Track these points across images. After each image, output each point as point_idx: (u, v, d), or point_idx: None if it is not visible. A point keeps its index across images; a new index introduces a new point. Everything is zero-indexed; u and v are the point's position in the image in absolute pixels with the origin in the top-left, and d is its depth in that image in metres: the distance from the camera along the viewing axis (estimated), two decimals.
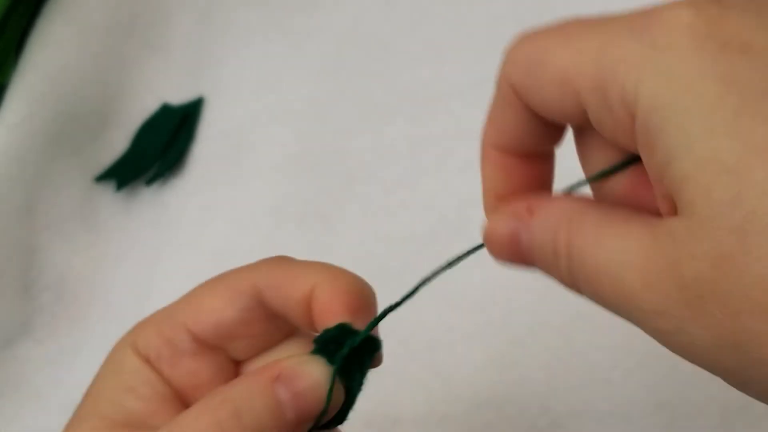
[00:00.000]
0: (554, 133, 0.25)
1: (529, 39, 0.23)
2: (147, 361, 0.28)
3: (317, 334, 0.27)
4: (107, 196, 0.53)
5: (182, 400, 0.29)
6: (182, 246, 0.49)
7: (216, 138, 0.53)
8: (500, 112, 0.24)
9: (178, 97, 0.55)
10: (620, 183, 0.23)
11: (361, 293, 0.27)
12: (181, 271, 0.48)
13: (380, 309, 0.27)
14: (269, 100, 0.53)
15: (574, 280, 0.22)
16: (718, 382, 0.21)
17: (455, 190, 0.47)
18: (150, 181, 0.52)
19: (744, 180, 0.18)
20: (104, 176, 0.53)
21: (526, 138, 0.24)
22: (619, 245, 0.21)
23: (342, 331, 0.26)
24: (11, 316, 0.48)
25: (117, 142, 0.55)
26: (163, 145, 0.53)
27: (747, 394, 0.20)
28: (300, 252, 0.47)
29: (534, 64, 0.22)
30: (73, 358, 0.48)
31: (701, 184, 0.19)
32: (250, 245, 0.48)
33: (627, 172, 0.23)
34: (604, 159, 0.23)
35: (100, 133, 0.55)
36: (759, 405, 0.22)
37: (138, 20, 0.58)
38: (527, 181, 0.25)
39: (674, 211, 0.20)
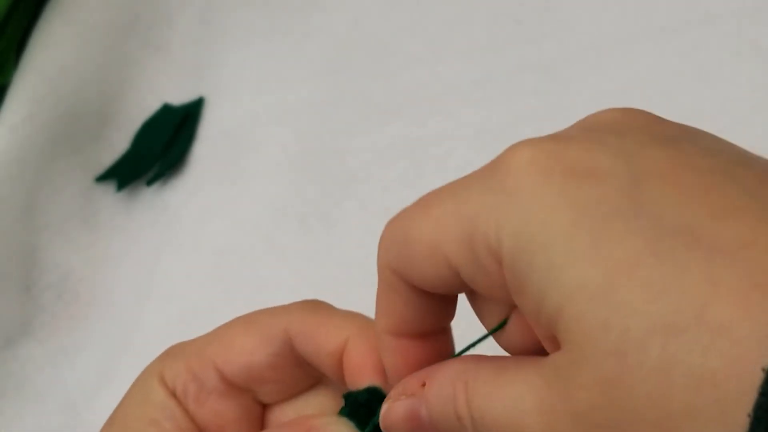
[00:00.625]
0: (444, 309, 0.25)
1: (394, 221, 0.24)
2: (173, 395, 0.28)
3: (346, 390, 0.27)
4: (108, 196, 0.53)
5: None
6: (182, 246, 0.49)
7: (216, 138, 0.53)
8: (387, 297, 0.24)
9: (179, 97, 0.55)
10: (514, 333, 0.23)
11: None
12: (181, 271, 0.48)
13: None
14: (269, 100, 0.53)
15: None
16: None
17: None
18: (150, 181, 0.52)
19: (611, 302, 0.18)
20: (105, 176, 0.53)
21: (417, 319, 0.24)
22: (513, 393, 0.21)
23: (373, 395, 0.26)
24: (12, 315, 0.49)
25: (117, 142, 0.55)
26: (163, 145, 0.53)
27: None
28: (300, 252, 0.47)
29: (402, 243, 0.23)
30: (74, 358, 0.48)
31: (573, 313, 0.19)
32: (250, 245, 0.48)
33: (514, 321, 0.23)
34: (497, 312, 0.23)
35: (101, 133, 0.55)
36: None
37: (138, 20, 0.58)
38: (428, 357, 0.25)
39: (559, 347, 0.20)
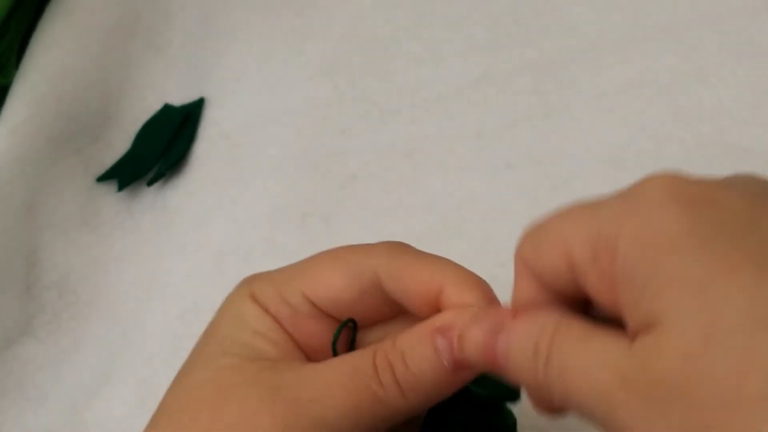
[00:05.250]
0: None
1: (536, 221, 0.27)
2: (267, 311, 0.30)
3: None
4: (109, 196, 0.53)
5: (306, 355, 0.30)
6: (182, 246, 0.49)
7: (217, 138, 0.53)
8: (516, 284, 0.27)
9: (180, 97, 0.56)
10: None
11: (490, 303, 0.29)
12: (181, 271, 0.48)
13: None
14: (269, 100, 0.53)
15: (546, 380, 0.24)
16: None
17: (454, 189, 0.47)
18: (151, 182, 0.52)
19: (709, 291, 0.21)
20: (105, 176, 0.53)
21: (539, 301, 0.27)
22: (597, 354, 0.23)
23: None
24: (13, 315, 0.49)
25: (118, 143, 0.55)
26: (164, 145, 0.53)
27: None
28: (300, 252, 0.47)
29: (538, 236, 0.26)
30: (75, 358, 0.48)
31: (672, 296, 0.21)
32: (250, 245, 0.48)
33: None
34: None
35: (102, 133, 0.55)
36: None
37: (139, 21, 0.58)
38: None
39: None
